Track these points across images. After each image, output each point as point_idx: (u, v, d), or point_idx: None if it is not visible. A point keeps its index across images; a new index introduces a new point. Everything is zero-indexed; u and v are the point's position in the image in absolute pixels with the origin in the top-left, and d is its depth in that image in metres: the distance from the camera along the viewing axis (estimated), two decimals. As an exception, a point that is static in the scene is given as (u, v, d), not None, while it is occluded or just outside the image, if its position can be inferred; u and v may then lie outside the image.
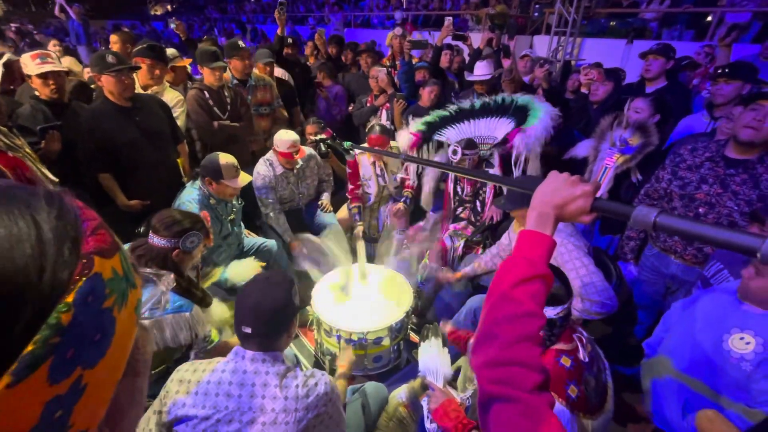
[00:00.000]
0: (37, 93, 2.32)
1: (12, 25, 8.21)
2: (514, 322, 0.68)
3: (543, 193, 0.78)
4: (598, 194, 0.76)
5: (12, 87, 2.97)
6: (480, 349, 0.70)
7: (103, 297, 0.29)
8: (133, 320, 0.34)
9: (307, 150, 2.90)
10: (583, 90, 3.83)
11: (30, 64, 2.23)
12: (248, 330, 1.17)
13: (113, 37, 3.55)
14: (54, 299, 0.26)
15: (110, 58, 2.25)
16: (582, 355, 1.21)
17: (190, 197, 2.20)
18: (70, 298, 0.27)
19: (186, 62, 3.48)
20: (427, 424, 1.44)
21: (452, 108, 2.46)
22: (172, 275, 1.48)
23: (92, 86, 2.93)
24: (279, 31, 4.04)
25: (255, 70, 3.39)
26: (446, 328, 1.72)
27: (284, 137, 2.63)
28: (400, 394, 1.61)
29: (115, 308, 0.30)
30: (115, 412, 0.35)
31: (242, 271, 2.13)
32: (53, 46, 4.40)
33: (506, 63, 3.97)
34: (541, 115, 2.13)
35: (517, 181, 1.53)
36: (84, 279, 0.28)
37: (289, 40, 4.19)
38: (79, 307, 0.27)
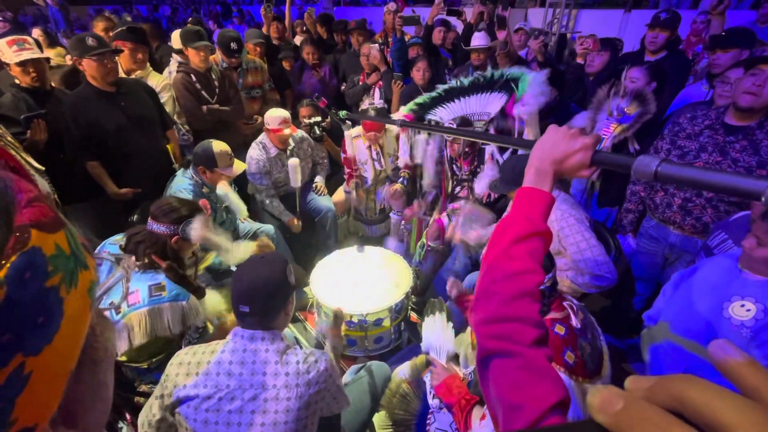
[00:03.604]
0: (17, 81, 2.23)
1: None
2: (513, 279, 0.67)
3: (542, 148, 0.75)
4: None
5: None
6: (479, 307, 0.70)
7: (44, 274, 0.26)
8: (87, 304, 0.31)
9: (300, 132, 2.85)
10: (579, 60, 3.75)
11: (7, 51, 2.13)
12: (246, 309, 1.17)
13: (97, 23, 3.43)
14: None
15: (90, 41, 2.16)
16: (574, 322, 1.23)
17: (181, 186, 2.16)
18: (1, 274, 0.23)
19: None
20: (430, 400, 1.45)
21: (441, 88, 2.41)
22: (133, 258, 1.48)
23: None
24: (264, 29, 3.89)
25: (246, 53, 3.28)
26: (453, 291, 1.71)
27: (274, 114, 2.61)
28: (403, 370, 1.62)
29: (62, 288, 0.27)
30: (75, 407, 0.32)
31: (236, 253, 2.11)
32: (37, 35, 4.24)
33: (501, 35, 3.87)
34: (533, 81, 2.08)
35: (519, 141, 1.50)
36: (18, 253, 0.24)
37: (273, 23, 4.02)
38: (13, 284, 0.24)
